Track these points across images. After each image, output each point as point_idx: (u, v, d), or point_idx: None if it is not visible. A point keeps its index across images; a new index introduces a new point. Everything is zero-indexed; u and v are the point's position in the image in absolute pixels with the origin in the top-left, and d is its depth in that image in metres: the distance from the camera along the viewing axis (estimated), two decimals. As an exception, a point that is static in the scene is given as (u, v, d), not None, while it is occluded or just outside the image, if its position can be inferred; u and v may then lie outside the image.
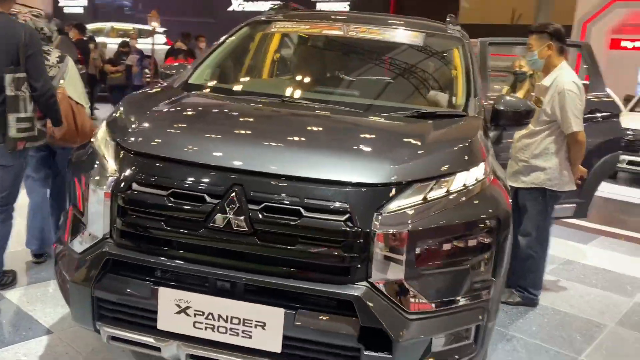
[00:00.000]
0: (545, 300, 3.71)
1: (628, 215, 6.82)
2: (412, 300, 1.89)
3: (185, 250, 1.95)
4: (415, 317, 1.88)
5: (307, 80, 3.29)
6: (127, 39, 10.26)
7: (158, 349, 2.00)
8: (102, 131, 2.33)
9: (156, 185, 1.96)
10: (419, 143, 2.17)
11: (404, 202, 1.91)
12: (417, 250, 1.89)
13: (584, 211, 4.29)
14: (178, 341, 1.97)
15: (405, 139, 2.21)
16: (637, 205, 7.37)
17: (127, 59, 9.81)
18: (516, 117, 2.89)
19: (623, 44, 15.14)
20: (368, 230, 1.84)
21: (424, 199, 1.94)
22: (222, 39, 3.43)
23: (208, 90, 2.86)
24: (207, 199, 1.90)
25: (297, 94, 2.91)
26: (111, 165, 2.10)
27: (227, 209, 1.87)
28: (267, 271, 1.89)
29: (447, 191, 2.00)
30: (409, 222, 1.87)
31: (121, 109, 2.44)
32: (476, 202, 2.07)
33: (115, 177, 2.04)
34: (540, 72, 3.62)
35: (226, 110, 2.57)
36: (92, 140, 2.36)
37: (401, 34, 3.34)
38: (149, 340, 2.00)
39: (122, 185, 2.00)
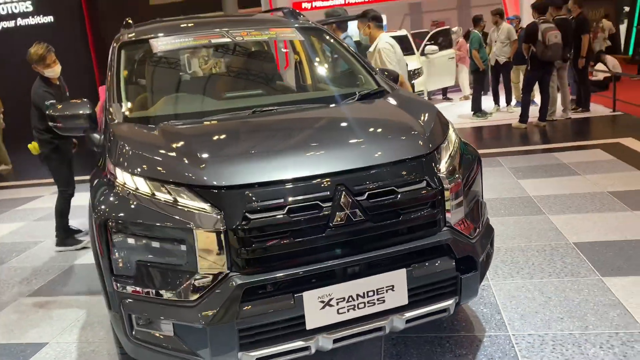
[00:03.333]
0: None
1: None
2: (470, 228, 2.54)
3: (316, 252, 2.21)
4: (475, 239, 2.54)
5: (243, 89, 3.50)
6: None
7: (306, 349, 2.25)
8: (144, 185, 2.29)
9: (272, 208, 2.15)
10: (423, 116, 2.75)
11: (444, 161, 2.52)
12: (464, 192, 2.53)
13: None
14: (322, 333, 2.25)
15: (412, 116, 2.74)
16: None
17: None
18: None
19: (304, 5, 17.39)
20: (441, 188, 2.40)
21: (449, 156, 2.58)
22: (113, 68, 3.35)
23: (157, 120, 2.85)
24: (321, 204, 2.19)
25: (257, 102, 3.15)
26: (203, 206, 2.17)
27: (343, 206, 2.21)
28: (385, 244, 2.30)
29: (453, 147, 2.67)
30: (456, 174, 2.50)
31: (144, 156, 2.41)
32: (464, 148, 2.79)
33: (220, 215, 2.14)
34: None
35: (263, 128, 2.76)
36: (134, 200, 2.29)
37: (280, 32, 3.77)
38: (298, 344, 2.23)
39: (234, 219, 2.13)
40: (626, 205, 4.71)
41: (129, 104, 3.10)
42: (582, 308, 3.11)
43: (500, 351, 2.78)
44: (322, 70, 4.07)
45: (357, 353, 2.87)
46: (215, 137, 2.62)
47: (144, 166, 2.37)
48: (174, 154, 2.40)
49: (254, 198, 2.17)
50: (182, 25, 3.80)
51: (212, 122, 2.80)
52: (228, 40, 3.66)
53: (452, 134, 2.73)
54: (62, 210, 4.96)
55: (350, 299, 2.25)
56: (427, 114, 2.80)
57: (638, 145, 6.86)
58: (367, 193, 2.26)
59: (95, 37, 13.41)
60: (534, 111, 8.98)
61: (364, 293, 2.26)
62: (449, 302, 2.44)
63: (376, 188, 2.28)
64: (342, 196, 2.22)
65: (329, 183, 2.23)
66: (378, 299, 2.29)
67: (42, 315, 3.73)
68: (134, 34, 3.67)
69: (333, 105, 3.04)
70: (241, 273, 2.16)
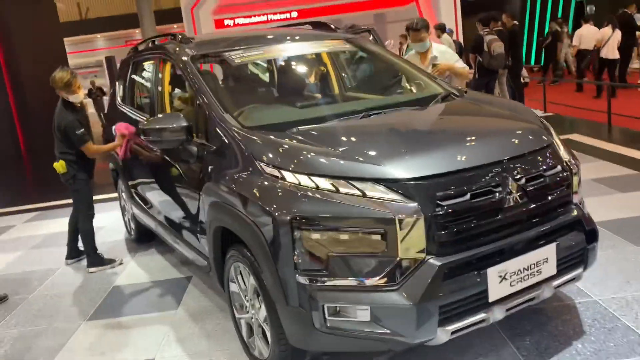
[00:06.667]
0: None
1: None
2: (584, 206, 2.92)
3: (494, 232, 2.48)
4: (588, 215, 2.92)
5: (334, 95, 3.69)
6: None
7: (484, 320, 2.50)
8: (325, 183, 2.44)
9: (459, 195, 2.40)
10: (524, 112, 3.12)
11: (562, 148, 2.89)
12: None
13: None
14: (497, 305, 2.51)
15: (516, 112, 3.11)
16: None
17: None
18: None
19: (226, 22, 17.45)
20: (570, 172, 2.77)
21: (561, 144, 2.96)
22: (194, 80, 3.40)
23: (280, 127, 2.96)
24: (493, 189, 2.47)
25: (358, 106, 3.36)
26: (395, 197, 2.36)
27: (511, 190, 2.50)
28: (540, 222, 2.62)
29: (558, 136, 3.05)
30: (572, 159, 2.88)
31: (313, 157, 2.56)
32: None
33: (415, 204, 2.34)
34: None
35: (402, 126, 3.02)
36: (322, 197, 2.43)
37: (335, 44, 4.03)
38: (481, 316, 2.48)
39: (428, 207, 2.35)
40: (613, 188, 5.40)
41: (239, 114, 3.18)
42: (639, 271, 3.61)
43: (599, 313, 3.19)
44: (371, 77, 4.34)
45: (477, 333, 3.14)
46: (370, 136, 2.81)
47: (320, 166, 2.52)
48: (345, 153, 2.57)
49: (442, 187, 2.40)
50: (245, 39, 3.92)
51: (344, 124, 2.98)
52: (296, 53, 3.85)
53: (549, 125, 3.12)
54: (89, 231, 4.82)
55: (519, 272, 2.54)
56: (525, 110, 3.17)
57: (586, 140, 7.77)
58: (524, 178, 2.57)
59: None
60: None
61: (528, 266, 2.56)
62: (580, 270, 2.81)
63: (530, 173, 2.61)
64: (509, 181, 2.51)
65: (497, 170, 2.52)
66: (537, 271, 2.60)
67: (124, 335, 3.63)
68: (202, 48, 3.74)
69: (433, 105, 3.30)
70: (436, 255, 2.37)
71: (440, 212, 2.36)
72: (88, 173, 4.76)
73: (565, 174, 2.73)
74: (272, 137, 2.82)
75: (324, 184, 2.46)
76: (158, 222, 4.30)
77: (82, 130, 4.50)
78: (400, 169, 2.43)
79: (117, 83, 5.52)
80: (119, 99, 5.35)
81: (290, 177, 2.54)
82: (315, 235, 2.41)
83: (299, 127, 2.93)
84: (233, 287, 3.12)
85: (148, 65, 4.57)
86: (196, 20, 16.95)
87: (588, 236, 2.81)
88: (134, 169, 4.72)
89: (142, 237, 5.41)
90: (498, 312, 2.52)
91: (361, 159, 2.52)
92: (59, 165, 4.58)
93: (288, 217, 2.42)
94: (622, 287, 3.44)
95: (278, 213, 2.46)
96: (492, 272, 2.46)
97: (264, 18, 17.63)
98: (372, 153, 2.56)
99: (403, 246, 2.34)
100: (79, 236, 4.97)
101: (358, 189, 2.41)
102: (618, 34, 11.98)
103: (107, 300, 4.24)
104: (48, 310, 4.16)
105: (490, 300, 2.48)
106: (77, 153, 4.61)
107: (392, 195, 2.38)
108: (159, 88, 4.12)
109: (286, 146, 2.70)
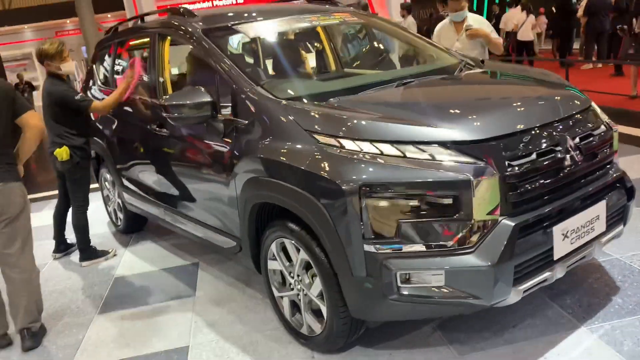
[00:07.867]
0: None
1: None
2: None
3: (558, 191, 2.51)
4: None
5: (350, 67, 3.62)
6: None
7: (547, 279, 2.53)
8: (391, 148, 2.39)
9: (526, 155, 2.41)
10: (554, 76, 3.17)
11: (598, 109, 2.97)
12: (612, 134, 3.00)
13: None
14: (559, 263, 2.55)
15: (547, 77, 3.16)
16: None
17: None
18: None
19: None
20: (613, 132, 2.85)
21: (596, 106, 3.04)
22: (211, 53, 3.26)
23: (316, 98, 2.91)
24: (554, 148, 2.50)
25: (387, 76, 3.31)
26: (466, 159, 2.34)
27: (569, 149, 2.54)
28: (593, 179, 2.68)
29: None
30: (608, 119, 2.97)
31: (372, 124, 2.50)
32: None
33: (488, 165, 2.33)
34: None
35: (451, 91, 3.07)
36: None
37: (343, 16, 3.97)
38: (546, 274, 2.51)
39: (500, 167, 2.34)
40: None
41: (271, 86, 3.06)
42: (648, 230, 3.78)
43: (626, 270, 3.31)
44: (383, 50, 4.29)
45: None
46: (422, 101, 2.78)
47: (382, 132, 2.46)
48: (404, 118, 2.52)
49: (510, 147, 2.40)
50: (252, 12, 3.79)
51: (385, 92, 2.94)
52: (308, 24, 3.76)
53: None
54: (84, 226, 4.52)
55: (577, 230, 2.59)
56: (555, 76, 3.24)
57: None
58: (578, 137, 2.62)
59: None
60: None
61: (584, 224, 2.61)
62: (621, 227, 2.90)
63: (582, 132, 2.66)
64: (566, 140, 2.55)
65: (555, 130, 2.55)
66: (591, 228, 2.66)
67: (147, 325, 3.45)
68: (210, 21, 3.58)
69: (462, 73, 3.31)
70: (509, 215, 2.37)
71: (511, 172, 2.36)
72: (89, 161, 4.46)
73: (608, 133, 2.81)
74: (321, 106, 2.73)
75: (389, 149, 2.40)
76: (163, 207, 4.10)
77: (80, 94, 4.18)
78: (469, 131, 2.41)
79: (94, 66, 5.22)
80: (99, 82, 5.06)
81: (350, 144, 2.46)
82: (385, 203, 2.35)
83: (339, 97, 2.85)
84: (273, 264, 3.02)
85: (140, 44, 4.34)
86: (138, 8, 16.30)
87: (628, 193, 2.90)
88: (127, 153, 4.46)
89: (131, 227, 5.17)
90: (560, 270, 2.56)
91: (425, 122, 2.48)
92: (63, 152, 4.16)
93: (355, 186, 2.35)
94: (638, 245, 3.58)
95: (341, 181, 2.38)
96: (557, 230, 2.49)
97: (209, 4, 17.19)
98: (435, 116, 2.52)
99: (478, 208, 2.32)
100: (67, 228, 4.67)
101: (426, 152, 2.37)
102: (531, 18, 13.35)
103: (113, 292, 4.01)
104: (51, 307, 3.88)
105: (555, 258, 2.52)
106: (79, 132, 4.26)
107: (462, 158, 2.35)
108: (160, 66, 3.90)
109: (340, 114, 2.62)
